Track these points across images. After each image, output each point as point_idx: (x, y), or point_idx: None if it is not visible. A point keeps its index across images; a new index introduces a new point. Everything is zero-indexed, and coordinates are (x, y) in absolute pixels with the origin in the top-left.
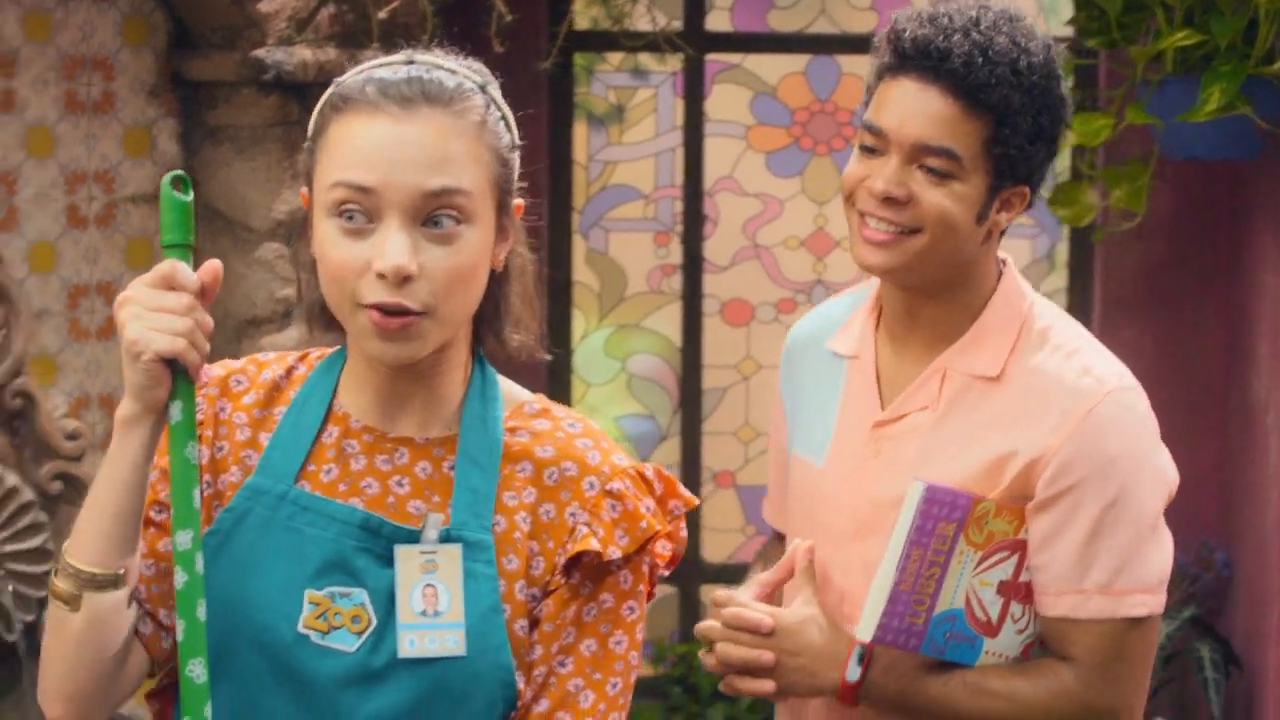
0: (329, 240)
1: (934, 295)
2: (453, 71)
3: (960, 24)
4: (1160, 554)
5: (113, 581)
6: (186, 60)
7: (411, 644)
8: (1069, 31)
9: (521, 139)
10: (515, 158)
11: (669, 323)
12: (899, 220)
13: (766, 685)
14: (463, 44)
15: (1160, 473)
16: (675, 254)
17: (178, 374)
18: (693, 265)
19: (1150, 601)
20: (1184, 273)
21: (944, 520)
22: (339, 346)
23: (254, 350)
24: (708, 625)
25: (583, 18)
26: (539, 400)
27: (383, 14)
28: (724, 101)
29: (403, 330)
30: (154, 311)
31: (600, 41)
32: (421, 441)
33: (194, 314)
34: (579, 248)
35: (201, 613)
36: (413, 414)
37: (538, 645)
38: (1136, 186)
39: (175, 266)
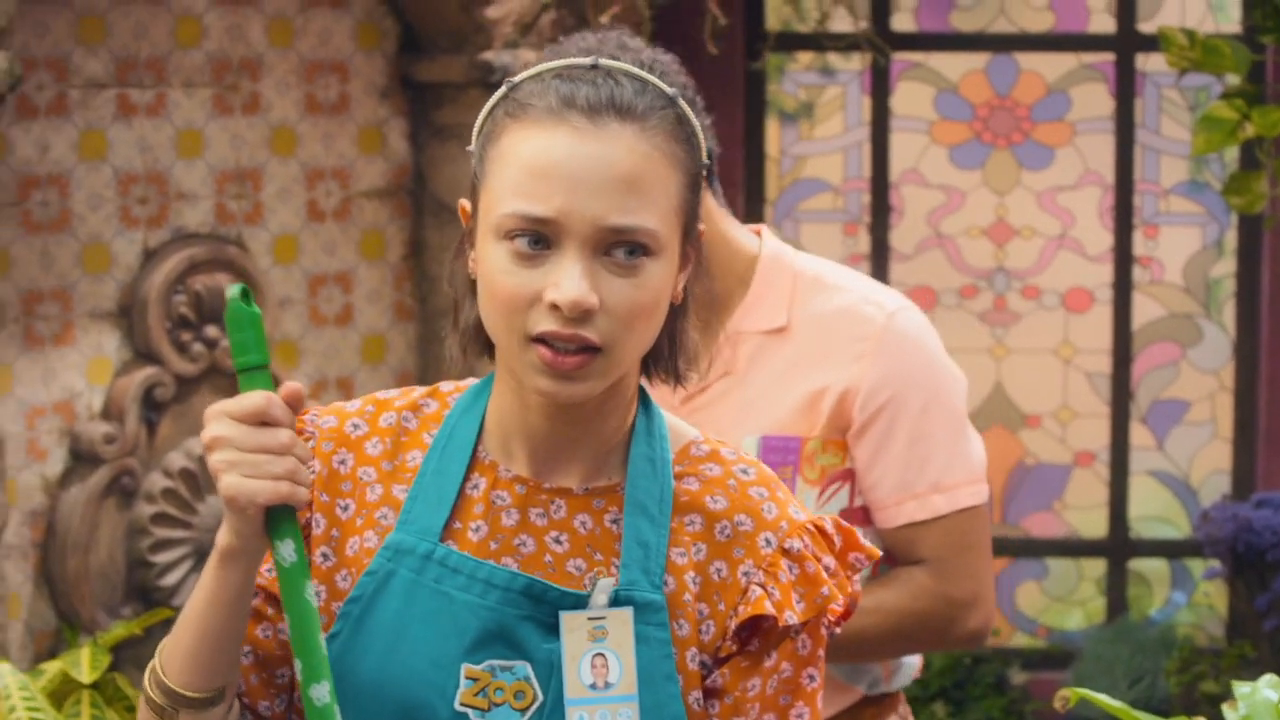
0: (498, 266)
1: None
2: (641, 79)
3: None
4: (977, 446)
5: (210, 701)
6: (415, 63)
7: None
8: (1238, 29)
9: (719, 135)
10: (701, 177)
11: None
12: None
13: None
14: (675, 46)
15: (956, 373)
16: (863, 243)
17: (277, 512)
18: (879, 254)
19: (979, 490)
20: None
21: (781, 465)
22: (475, 380)
23: None
24: None
25: (773, 18)
26: (706, 440)
27: (604, 18)
28: (908, 98)
29: (576, 369)
30: (251, 454)
31: (791, 41)
32: (581, 492)
33: (294, 450)
34: None
35: None
36: (571, 461)
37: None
38: None
39: (269, 401)
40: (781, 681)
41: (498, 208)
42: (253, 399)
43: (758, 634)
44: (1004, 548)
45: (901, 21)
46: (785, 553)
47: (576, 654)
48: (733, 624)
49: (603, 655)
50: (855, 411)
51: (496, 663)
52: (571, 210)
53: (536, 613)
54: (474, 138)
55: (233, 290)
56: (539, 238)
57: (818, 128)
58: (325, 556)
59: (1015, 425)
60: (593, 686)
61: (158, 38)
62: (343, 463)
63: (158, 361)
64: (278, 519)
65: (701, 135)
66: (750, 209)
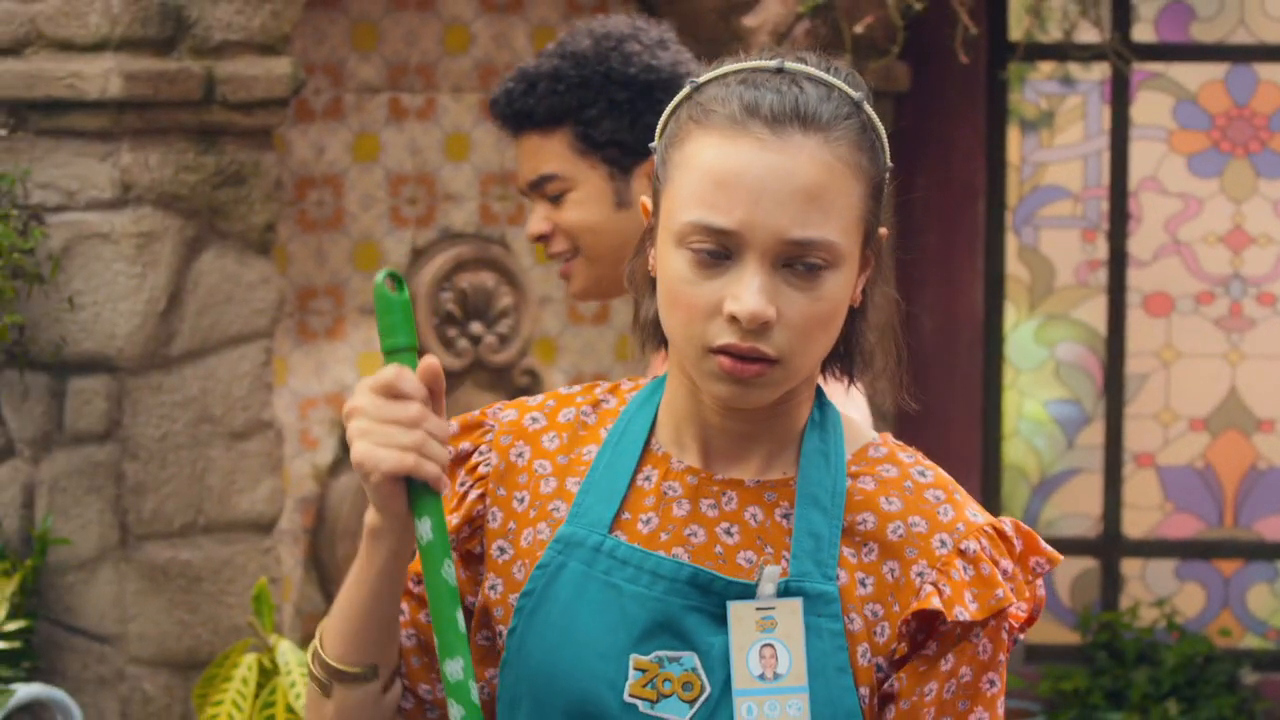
0: (678, 274)
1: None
2: (826, 84)
3: (516, 72)
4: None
5: (364, 676)
6: None
7: (749, 712)
8: None
9: (962, 143)
10: (885, 183)
11: (1094, 313)
12: (557, 250)
13: None
14: (927, 55)
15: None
16: (1101, 249)
17: (414, 489)
18: (1117, 260)
19: None
20: None
21: None
22: (653, 378)
23: None
24: None
25: (1016, 29)
26: (884, 441)
27: (858, 28)
28: (1148, 107)
29: (755, 378)
30: (381, 424)
31: (1036, 52)
32: (752, 485)
33: (424, 424)
34: (1012, 244)
35: None
36: (744, 455)
37: None
38: None
39: (399, 373)
40: (960, 686)
41: (679, 214)
42: (386, 372)
43: (933, 636)
44: (1236, 550)
45: (1142, 32)
46: (961, 554)
47: (744, 644)
48: (904, 626)
49: (771, 646)
50: None
51: (664, 653)
52: (753, 223)
53: (704, 603)
54: (657, 136)
55: (380, 275)
56: (719, 248)
57: (1058, 136)
58: (501, 550)
59: (1249, 429)
60: (761, 677)
61: (428, 45)
62: (520, 455)
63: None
64: (416, 496)
65: (884, 137)
66: (991, 215)
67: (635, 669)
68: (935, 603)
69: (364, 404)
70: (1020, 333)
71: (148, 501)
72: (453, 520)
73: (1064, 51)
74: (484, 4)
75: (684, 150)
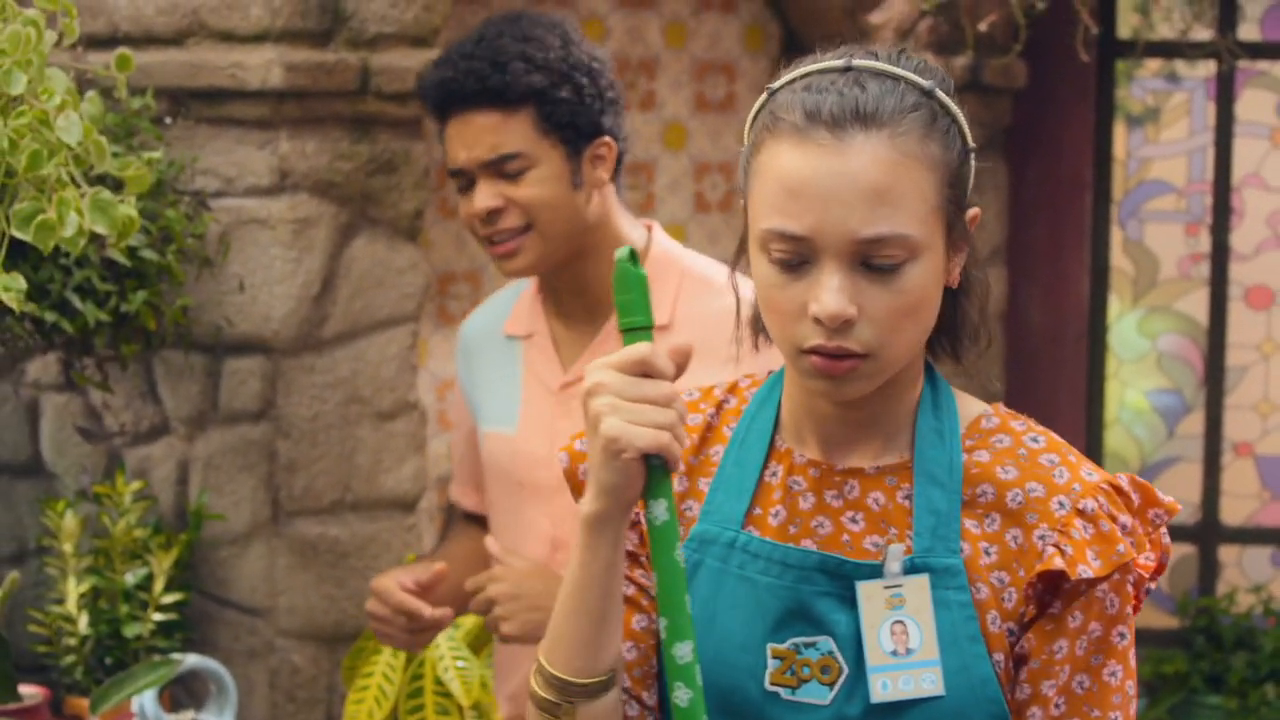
0: (765, 279)
1: (580, 270)
2: (893, 78)
3: (461, 53)
4: None
5: (604, 686)
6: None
7: (884, 687)
8: None
9: (1071, 138)
10: (969, 166)
11: (1197, 306)
12: (508, 225)
13: (504, 627)
14: (1039, 52)
15: None
16: (1204, 243)
17: (654, 469)
18: (1220, 254)
19: None
20: None
21: None
22: (769, 374)
23: None
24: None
25: (1124, 27)
26: (996, 413)
27: (982, 26)
28: (1252, 104)
29: (848, 373)
30: (633, 403)
31: (1146, 49)
32: (872, 471)
33: (675, 403)
34: (1117, 237)
35: None
36: (861, 442)
37: (1025, 685)
38: None
39: (652, 351)
40: (1092, 642)
41: (760, 221)
42: (636, 349)
43: (1058, 595)
44: None
45: (1247, 31)
46: (1079, 513)
47: (875, 622)
48: (1030, 589)
49: (902, 622)
50: None
51: (800, 640)
52: (823, 227)
53: (833, 587)
54: (744, 139)
55: (622, 252)
56: (797, 253)
57: (1163, 132)
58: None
59: None
60: (894, 653)
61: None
62: None
63: None
64: (653, 477)
65: (964, 123)
66: (1097, 209)
67: (773, 657)
68: (1058, 563)
69: (611, 381)
70: (1123, 324)
71: (298, 479)
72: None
73: (1172, 49)
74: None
75: (760, 158)
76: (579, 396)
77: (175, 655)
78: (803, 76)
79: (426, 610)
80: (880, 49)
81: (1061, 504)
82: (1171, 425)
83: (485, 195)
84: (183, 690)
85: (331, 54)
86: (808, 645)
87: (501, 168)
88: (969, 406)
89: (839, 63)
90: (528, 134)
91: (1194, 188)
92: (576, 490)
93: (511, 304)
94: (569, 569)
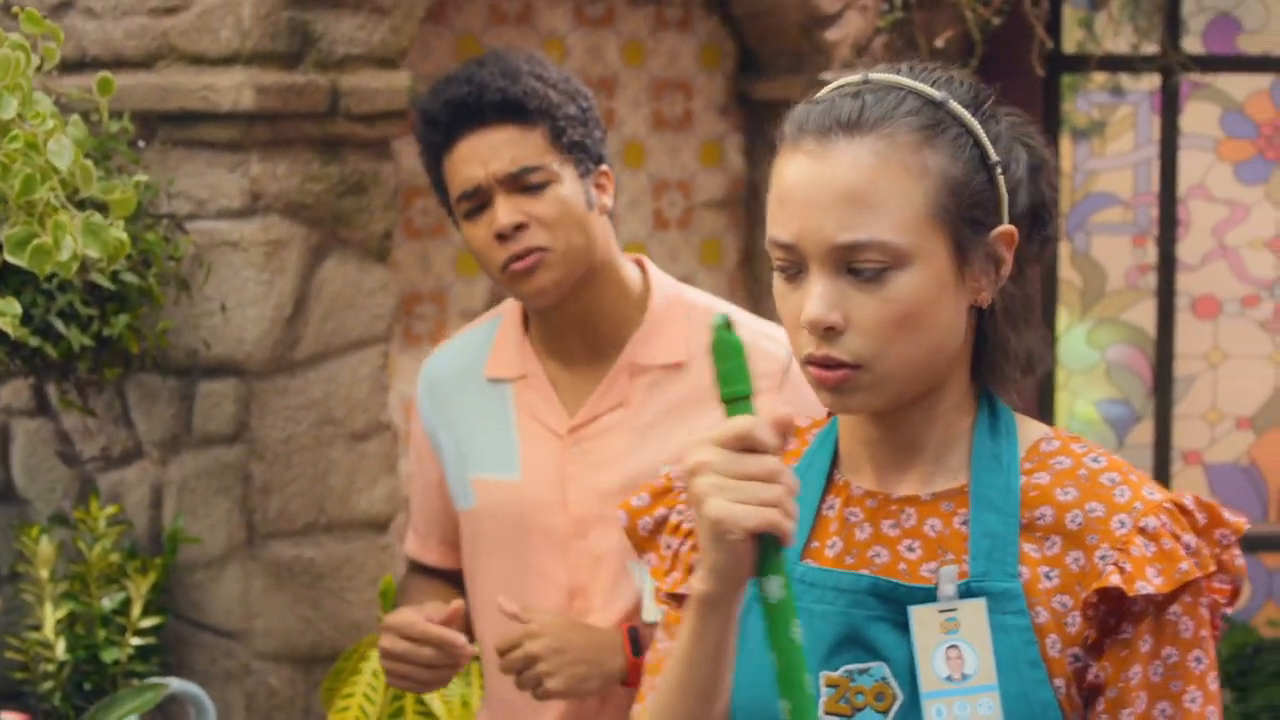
0: (776, 292)
1: (586, 304)
2: (899, 88)
3: (467, 74)
4: None
5: None
6: (752, 82)
7: (939, 714)
8: None
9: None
10: (983, 178)
11: (1144, 316)
12: (531, 243)
13: (550, 683)
14: (994, 67)
15: None
16: (1150, 254)
17: (766, 546)
18: (1166, 264)
19: None
20: None
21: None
22: (831, 416)
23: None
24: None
25: (1069, 41)
26: (1056, 435)
27: (939, 41)
28: (1196, 117)
29: (842, 383)
30: (738, 481)
31: (1092, 63)
32: (928, 498)
33: (782, 476)
34: (1064, 249)
35: None
36: (912, 467)
37: (1104, 715)
38: None
39: (753, 425)
40: (1168, 668)
41: (767, 235)
42: (738, 423)
43: (1124, 617)
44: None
45: (1191, 44)
46: (1141, 531)
47: (929, 647)
48: (1089, 609)
49: (956, 647)
50: None
51: (853, 667)
52: (804, 233)
53: (887, 612)
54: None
55: (717, 319)
56: (790, 262)
57: (1109, 145)
58: None
59: None
60: (949, 678)
61: None
62: None
63: None
64: (765, 553)
65: (983, 138)
66: None
67: (827, 685)
68: (1115, 580)
69: (713, 459)
70: (1072, 335)
71: (273, 501)
72: (677, 577)
73: (1118, 63)
74: (578, 18)
75: (772, 174)
76: (594, 436)
77: (160, 679)
78: (811, 94)
79: (461, 638)
80: (912, 64)
81: (1122, 522)
82: (1121, 435)
83: (508, 211)
84: (160, 715)
85: (301, 76)
86: (861, 672)
87: (523, 181)
88: (1030, 430)
89: (856, 78)
90: (545, 149)
91: (1140, 199)
92: (639, 547)
93: (486, 346)
94: (679, 642)
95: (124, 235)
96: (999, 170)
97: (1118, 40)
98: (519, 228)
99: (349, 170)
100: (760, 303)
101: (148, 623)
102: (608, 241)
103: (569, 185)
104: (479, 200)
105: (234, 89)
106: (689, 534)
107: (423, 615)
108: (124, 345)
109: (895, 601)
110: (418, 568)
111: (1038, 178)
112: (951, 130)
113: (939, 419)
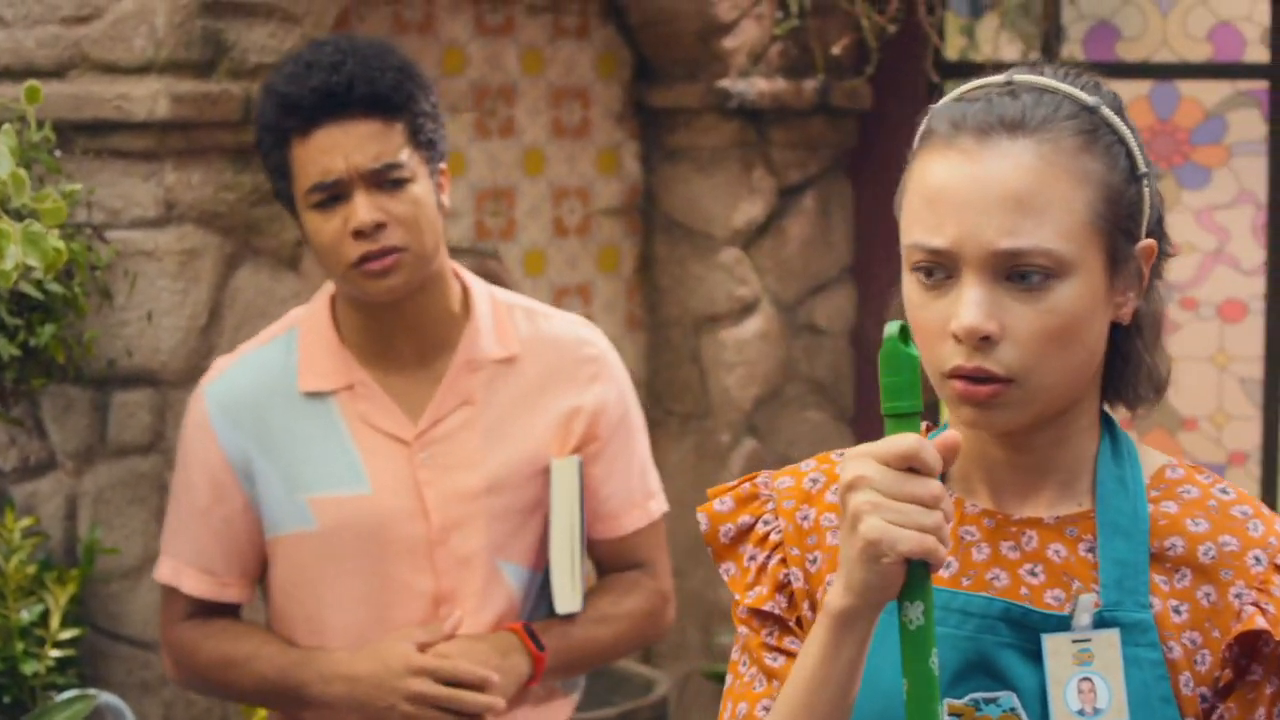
0: (911, 299)
1: (420, 305)
2: (1052, 91)
3: (330, 61)
4: None
5: None
6: (649, 90)
7: None
8: None
9: (902, 158)
10: (1135, 188)
11: None
12: (389, 243)
13: (498, 702)
14: (884, 75)
15: None
16: None
17: (915, 572)
18: None
19: (663, 498)
20: None
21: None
22: (931, 426)
23: (714, 345)
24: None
25: (951, 49)
26: (1180, 463)
27: (835, 49)
28: None
29: (991, 399)
30: (899, 502)
31: (969, 70)
32: (1051, 521)
33: (942, 503)
34: None
35: None
36: (1035, 490)
37: None
38: None
39: (920, 446)
40: None
41: (905, 237)
42: (903, 441)
43: (1257, 659)
44: None
45: (1070, 51)
46: (1278, 569)
47: (1061, 678)
48: (1228, 651)
49: (1090, 679)
50: (600, 429)
51: (980, 695)
52: (963, 237)
53: (1017, 639)
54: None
55: (891, 328)
56: (940, 268)
57: None
58: (810, 609)
59: (1174, 428)
60: (1080, 713)
61: (428, 66)
62: (805, 518)
63: None
64: (913, 579)
65: (1134, 147)
66: None
67: (950, 714)
68: (1260, 623)
69: (875, 475)
70: None
71: None
72: (762, 592)
73: (1002, 69)
74: (479, 27)
75: (911, 174)
76: (444, 438)
77: (90, 691)
78: (961, 91)
79: (495, 675)
80: (1051, 67)
81: (1258, 559)
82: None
83: (369, 208)
84: None
85: (215, 85)
86: (988, 701)
87: (385, 177)
88: (1151, 458)
89: (1000, 78)
90: (405, 145)
91: None
92: (718, 555)
93: (290, 360)
94: (803, 662)
95: (61, 244)
96: (1145, 182)
97: (999, 47)
98: (379, 226)
99: (262, 179)
100: (656, 309)
101: (66, 634)
102: (444, 242)
103: (423, 184)
104: (334, 192)
105: (149, 98)
106: (777, 546)
107: (423, 639)
108: (49, 355)
109: (1028, 629)
110: (213, 609)
111: (1157, 190)
112: (1106, 137)
113: (1069, 440)
